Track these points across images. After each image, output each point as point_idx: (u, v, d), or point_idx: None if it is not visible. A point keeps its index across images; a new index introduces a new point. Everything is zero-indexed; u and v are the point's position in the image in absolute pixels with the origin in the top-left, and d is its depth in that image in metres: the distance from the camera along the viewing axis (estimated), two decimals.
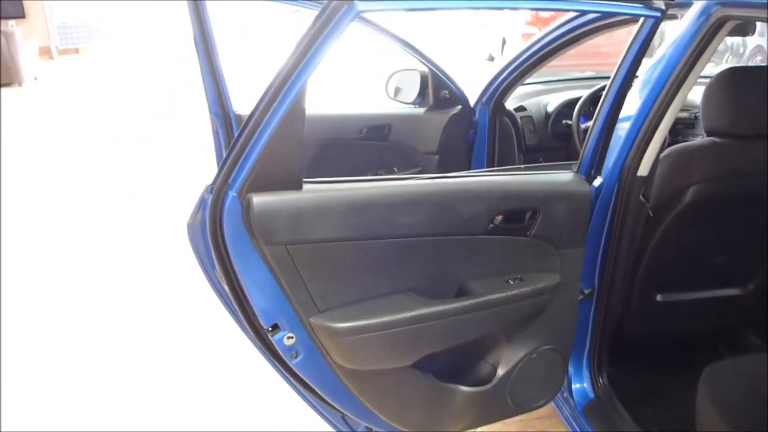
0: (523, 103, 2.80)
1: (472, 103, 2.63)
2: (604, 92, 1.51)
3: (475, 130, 2.66)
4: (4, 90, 8.73)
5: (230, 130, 2.13)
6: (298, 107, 1.20)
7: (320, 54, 1.13)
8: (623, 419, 1.80)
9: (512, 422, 2.14)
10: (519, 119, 2.70)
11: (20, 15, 11.16)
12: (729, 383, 1.55)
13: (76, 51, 12.21)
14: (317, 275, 1.32)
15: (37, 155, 5.93)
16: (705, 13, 1.52)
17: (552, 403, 2.00)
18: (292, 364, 1.40)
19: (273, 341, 1.35)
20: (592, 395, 1.89)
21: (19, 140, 6.46)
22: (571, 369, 1.92)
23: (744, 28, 1.93)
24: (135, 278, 3.46)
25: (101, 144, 6.28)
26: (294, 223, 1.24)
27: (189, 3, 1.94)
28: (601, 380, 1.90)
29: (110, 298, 3.25)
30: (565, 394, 1.95)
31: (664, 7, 1.34)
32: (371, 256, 1.37)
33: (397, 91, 2.68)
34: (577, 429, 1.88)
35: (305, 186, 1.27)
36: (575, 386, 1.91)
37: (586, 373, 1.91)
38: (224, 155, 1.21)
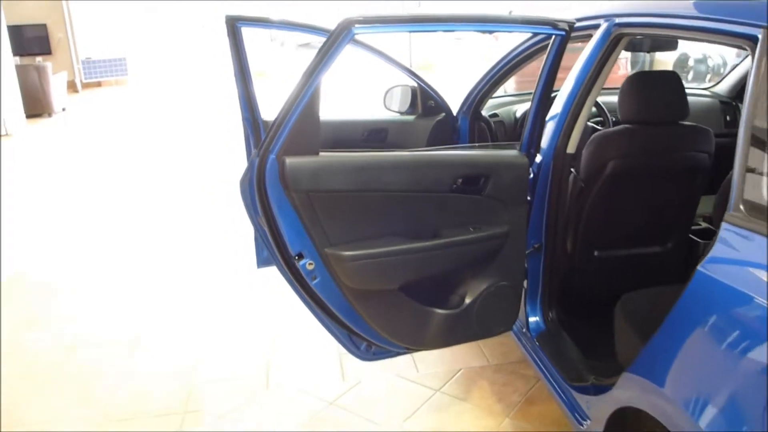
0: (497, 111, 3.38)
1: (454, 111, 3.21)
2: (533, 94, 2.08)
3: (458, 134, 3.24)
4: (36, 120, 9.44)
5: (258, 132, 2.74)
6: (315, 100, 1.78)
7: (331, 61, 1.72)
8: (566, 342, 2.34)
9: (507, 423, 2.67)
10: (493, 124, 3.28)
11: (47, 51, 11.96)
12: (638, 308, 2.08)
13: (99, 84, 12.99)
14: (330, 217, 1.89)
15: (72, 175, 6.57)
16: (607, 31, 2.11)
17: (514, 336, 2.55)
18: (312, 284, 1.96)
19: (299, 266, 1.91)
20: (543, 327, 2.43)
21: (56, 164, 7.12)
22: (528, 308, 2.46)
23: (637, 45, 2.53)
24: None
25: (128, 163, 6.92)
26: (313, 177, 1.82)
27: (228, 33, 2.58)
28: (550, 315, 2.44)
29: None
30: (524, 329, 2.48)
31: (567, 28, 1.92)
32: (368, 204, 1.93)
33: (392, 102, 3.27)
34: (533, 353, 2.41)
35: (321, 154, 1.85)
36: (531, 321, 2.45)
37: (539, 311, 2.46)
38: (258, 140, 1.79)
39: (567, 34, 1.92)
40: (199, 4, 15.64)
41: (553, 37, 1.94)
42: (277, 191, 1.82)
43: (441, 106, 3.17)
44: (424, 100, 3.17)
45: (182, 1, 15.19)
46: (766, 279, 1.22)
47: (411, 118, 3.20)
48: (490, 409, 2.58)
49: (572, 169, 2.32)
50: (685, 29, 1.75)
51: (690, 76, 9.29)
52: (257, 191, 1.83)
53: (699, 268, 1.35)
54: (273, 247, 1.94)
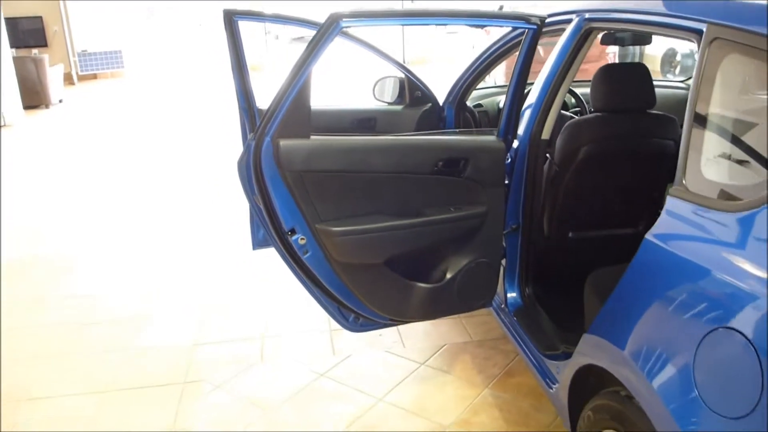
0: (481, 102, 3.55)
1: (440, 102, 3.37)
2: (508, 84, 2.24)
3: (444, 123, 3.41)
4: (33, 111, 9.55)
5: (254, 121, 2.90)
6: (306, 88, 1.94)
7: (320, 53, 1.88)
8: (541, 316, 2.51)
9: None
10: (477, 114, 3.44)
11: (43, 44, 12.07)
12: (605, 282, 2.24)
13: (95, 77, 13.10)
14: (320, 195, 2.05)
15: (71, 161, 6.72)
16: (579, 25, 2.28)
17: (493, 313, 2.72)
18: (304, 258, 2.12)
19: (291, 241, 2.08)
20: (521, 303, 2.60)
21: (55, 151, 7.26)
22: (506, 285, 2.63)
23: (618, 39, 2.70)
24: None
25: (124, 150, 7.06)
26: (305, 158, 1.98)
27: (226, 26, 2.73)
28: (527, 291, 2.61)
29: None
30: (503, 305, 2.65)
31: (539, 22, 2.08)
32: (355, 184, 2.10)
33: (381, 92, 3.43)
34: (511, 327, 2.58)
35: (312, 137, 2.01)
36: (509, 297, 2.62)
37: (517, 288, 2.63)
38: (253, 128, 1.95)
39: (539, 27, 2.09)
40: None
41: (526, 30, 2.10)
42: (272, 171, 1.98)
43: (427, 96, 3.33)
44: (412, 90, 3.33)
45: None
46: (702, 245, 1.40)
47: (399, 107, 3.36)
48: (471, 381, 2.76)
49: (548, 155, 2.49)
50: (644, 24, 1.91)
51: (677, 70, 9.47)
52: (254, 171, 1.99)
53: (646, 236, 1.52)
54: (268, 224, 2.10)
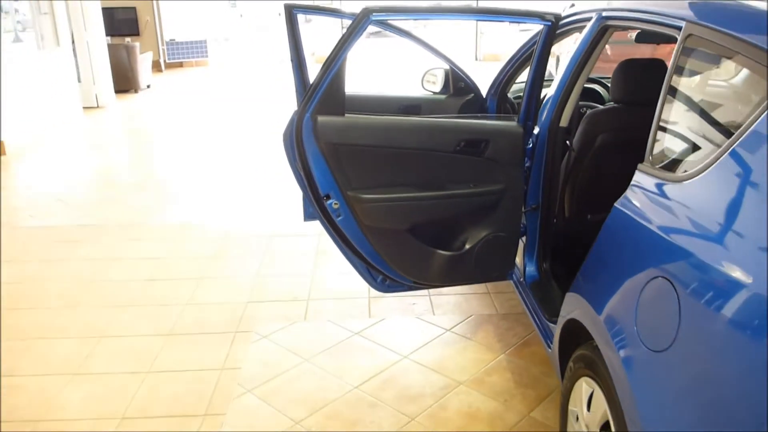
0: (521, 94, 3.76)
1: (483, 92, 3.62)
2: (527, 76, 2.48)
3: (486, 113, 3.65)
4: (124, 95, 10.33)
5: None
6: (341, 72, 2.25)
7: (354, 41, 2.18)
8: (553, 288, 2.74)
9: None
10: (516, 105, 3.67)
11: (135, 33, 12.92)
12: None
13: (181, 65, 13.90)
14: (352, 166, 2.36)
15: (154, 138, 7.32)
16: (597, 21, 2.49)
17: (513, 285, 2.96)
18: (337, 221, 2.44)
19: (326, 205, 2.40)
20: (537, 276, 2.83)
21: (146, 126, 7.91)
22: (525, 260, 2.87)
23: (642, 37, 2.88)
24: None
25: (207, 126, 7.62)
26: (339, 132, 2.30)
27: (286, 18, 3.07)
28: (544, 267, 2.84)
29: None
30: (521, 279, 2.89)
31: (554, 19, 2.31)
32: (383, 158, 2.40)
33: (428, 83, 3.71)
34: (525, 298, 2.82)
35: (346, 115, 2.32)
36: (528, 270, 2.85)
37: (534, 263, 2.86)
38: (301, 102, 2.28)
39: (553, 24, 2.32)
40: None
41: (542, 26, 2.34)
42: (311, 143, 2.31)
43: (470, 87, 3.59)
44: (456, 81, 3.59)
45: None
46: (652, 210, 1.62)
47: (443, 97, 3.63)
48: (490, 347, 3.01)
49: (567, 142, 2.71)
50: (647, 22, 2.12)
51: None
52: (296, 142, 2.32)
53: (615, 205, 1.76)
54: (307, 189, 2.43)
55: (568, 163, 2.76)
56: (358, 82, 12.36)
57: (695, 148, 1.62)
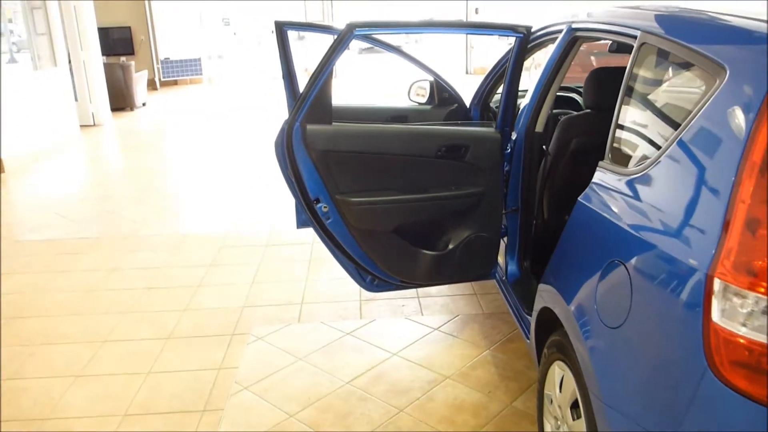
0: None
1: (467, 103, 3.79)
2: (502, 86, 2.64)
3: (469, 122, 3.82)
4: (120, 114, 10.50)
5: None
6: (327, 83, 2.41)
7: (339, 55, 2.35)
8: (532, 285, 2.88)
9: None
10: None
11: (130, 52, 13.14)
12: None
13: (175, 83, 14.11)
14: (340, 171, 2.52)
15: (148, 153, 7.48)
16: (567, 33, 2.66)
17: (496, 284, 3.11)
18: (327, 224, 2.59)
19: (316, 209, 2.55)
20: (518, 274, 2.98)
21: (141, 141, 8.07)
22: (507, 259, 3.02)
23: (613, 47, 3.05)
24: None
25: (203, 139, 7.78)
26: (327, 140, 2.46)
27: (277, 36, 3.23)
28: (524, 265, 2.99)
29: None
30: (503, 278, 3.04)
31: (525, 31, 2.48)
32: (369, 163, 2.56)
33: (414, 94, 3.88)
34: (507, 295, 2.96)
35: (333, 123, 2.48)
36: (509, 269, 3.00)
37: (515, 262, 3.01)
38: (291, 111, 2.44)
39: (525, 36, 2.49)
40: (268, 15, 16.63)
41: (515, 38, 2.51)
42: (301, 150, 2.46)
43: (454, 97, 3.76)
44: (440, 92, 3.76)
45: (253, 14, 16.15)
46: (608, 202, 1.78)
47: (428, 107, 3.80)
48: (476, 344, 3.15)
49: (543, 147, 2.87)
50: (609, 33, 2.29)
51: None
52: (286, 150, 2.48)
53: (578, 199, 1.91)
54: (298, 193, 2.58)
55: (545, 167, 2.92)
56: (350, 94, 12.60)
57: (646, 146, 1.77)
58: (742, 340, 1.22)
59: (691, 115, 1.51)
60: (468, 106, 3.81)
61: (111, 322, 3.51)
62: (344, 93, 12.04)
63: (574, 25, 2.63)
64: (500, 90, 3.89)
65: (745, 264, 1.23)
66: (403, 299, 3.65)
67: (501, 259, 3.02)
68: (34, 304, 3.76)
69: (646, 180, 1.61)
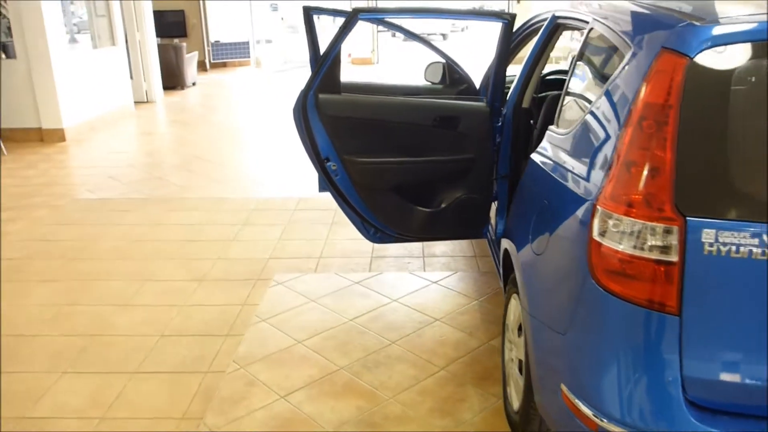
0: (508, 85, 4.30)
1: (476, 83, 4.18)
2: (489, 68, 3.03)
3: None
4: (171, 92, 11.16)
5: None
6: (337, 59, 2.85)
7: (345, 36, 2.77)
8: None
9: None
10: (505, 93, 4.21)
11: (183, 34, 13.81)
12: None
13: (224, 65, 14.76)
14: (347, 134, 2.95)
15: (196, 128, 8.07)
16: (552, 21, 3.03)
17: (487, 243, 3.51)
18: (335, 180, 3.03)
19: (326, 167, 2.99)
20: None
21: (191, 116, 8.67)
22: (497, 219, 3.41)
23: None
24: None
25: (244, 120, 8.33)
26: (336, 105, 2.89)
27: (305, 20, 3.67)
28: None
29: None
30: (493, 236, 3.44)
31: (509, 18, 2.86)
32: (373, 129, 2.98)
33: (429, 74, 4.28)
34: (493, 249, 3.36)
35: (342, 93, 2.92)
36: (498, 227, 3.39)
37: (503, 221, 3.39)
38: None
39: (509, 22, 2.88)
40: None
41: (501, 24, 2.90)
42: (314, 115, 2.91)
43: (464, 78, 4.15)
44: (452, 73, 4.15)
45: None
46: (546, 156, 2.17)
47: (440, 86, 4.20)
48: (467, 295, 3.57)
49: (531, 122, 3.25)
50: (578, 20, 2.66)
51: None
52: (302, 114, 2.92)
53: (531, 156, 2.31)
54: (312, 153, 3.03)
55: (533, 139, 3.30)
56: (389, 75, 12.79)
57: (579, 111, 2.16)
58: (612, 252, 1.62)
59: (605, 84, 1.89)
60: (477, 87, 4.19)
61: (153, 266, 4.04)
62: (385, 75, 12.50)
63: (557, 14, 3.01)
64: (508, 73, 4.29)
65: (619, 195, 1.62)
66: (410, 258, 4.08)
67: (492, 220, 3.42)
68: (89, 249, 4.33)
69: (570, 138, 2.01)
